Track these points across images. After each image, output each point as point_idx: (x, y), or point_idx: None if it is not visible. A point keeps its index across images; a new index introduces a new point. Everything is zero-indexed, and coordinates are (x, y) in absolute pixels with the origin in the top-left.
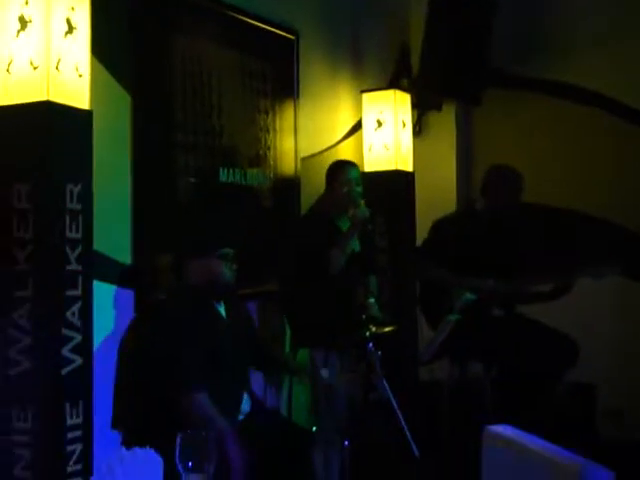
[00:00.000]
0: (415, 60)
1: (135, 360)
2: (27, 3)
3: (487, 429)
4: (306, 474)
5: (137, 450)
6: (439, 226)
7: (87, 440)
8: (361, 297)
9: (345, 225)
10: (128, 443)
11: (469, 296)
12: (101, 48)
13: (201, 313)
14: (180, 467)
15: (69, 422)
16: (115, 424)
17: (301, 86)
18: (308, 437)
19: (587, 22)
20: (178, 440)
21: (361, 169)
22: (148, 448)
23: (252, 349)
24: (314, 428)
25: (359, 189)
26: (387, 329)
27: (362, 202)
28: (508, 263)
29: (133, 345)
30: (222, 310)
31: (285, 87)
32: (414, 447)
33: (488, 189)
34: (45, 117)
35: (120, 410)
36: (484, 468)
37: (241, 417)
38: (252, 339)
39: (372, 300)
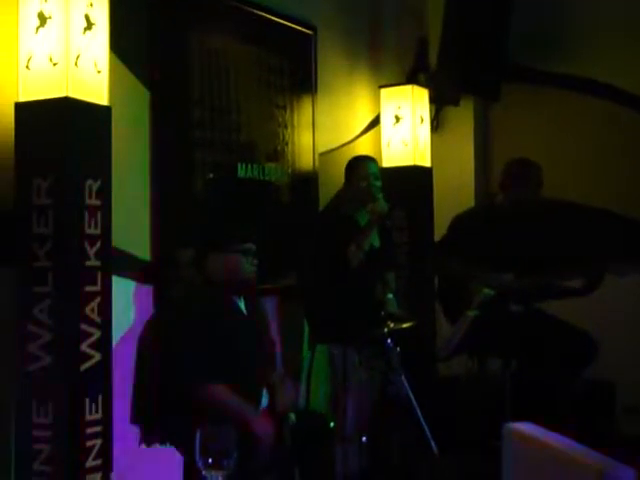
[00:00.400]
0: (433, 55)
1: (155, 356)
2: (46, 0)
3: (507, 426)
4: (325, 468)
5: (157, 447)
6: (459, 221)
7: (107, 435)
8: (380, 293)
9: (363, 220)
10: (148, 440)
11: (488, 291)
12: (120, 44)
13: (221, 308)
14: (200, 463)
15: (88, 417)
16: (135, 420)
17: (319, 81)
18: (327, 432)
19: (606, 16)
20: (198, 436)
21: (379, 164)
22: (168, 445)
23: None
24: (332, 424)
25: (378, 183)
26: (405, 325)
27: (381, 196)
28: (527, 258)
29: (153, 340)
30: (242, 305)
31: (303, 82)
32: (433, 444)
33: (507, 182)
34: (64, 113)
35: (140, 406)
36: (504, 465)
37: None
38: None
39: (391, 296)
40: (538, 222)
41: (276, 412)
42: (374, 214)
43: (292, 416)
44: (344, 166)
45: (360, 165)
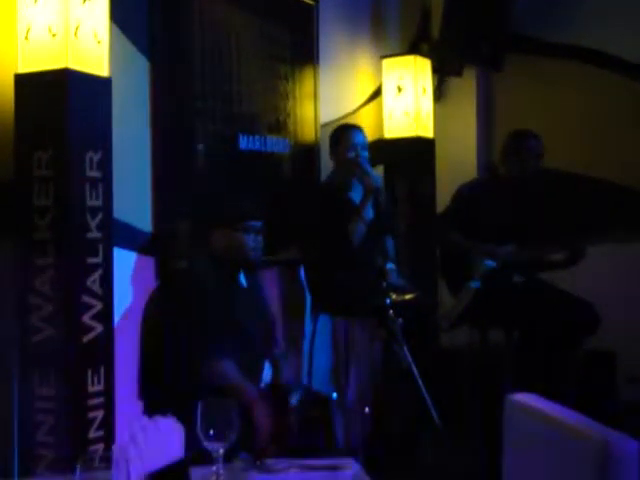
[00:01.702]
0: (435, 25)
1: (158, 329)
2: None
3: (509, 398)
4: (327, 440)
5: (159, 418)
6: (462, 192)
7: (109, 407)
8: (381, 264)
9: (356, 195)
10: (150, 411)
11: (490, 263)
12: (120, 14)
13: (223, 282)
14: (201, 435)
15: (90, 389)
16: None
17: (321, 52)
18: (329, 404)
19: None
20: (199, 408)
21: (381, 135)
22: (170, 416)
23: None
24: (334, 395)
25: (365, 154)
26: (408, 296)
27: (371, 170)
28: (528, 230)
29: (156, 313)
30: (243, 280)
31: (305, 53)
32: (435, 415)
33: (507, 154)
34: (64, 84)
35: (145, 379)
36: (506, 437)
37: (262, 386)
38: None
39: (391, 266)
40: (538, 194)
41: (278, 390)
42: (368, 190)
43: (294, 399)
44: None
45: (346, 135)
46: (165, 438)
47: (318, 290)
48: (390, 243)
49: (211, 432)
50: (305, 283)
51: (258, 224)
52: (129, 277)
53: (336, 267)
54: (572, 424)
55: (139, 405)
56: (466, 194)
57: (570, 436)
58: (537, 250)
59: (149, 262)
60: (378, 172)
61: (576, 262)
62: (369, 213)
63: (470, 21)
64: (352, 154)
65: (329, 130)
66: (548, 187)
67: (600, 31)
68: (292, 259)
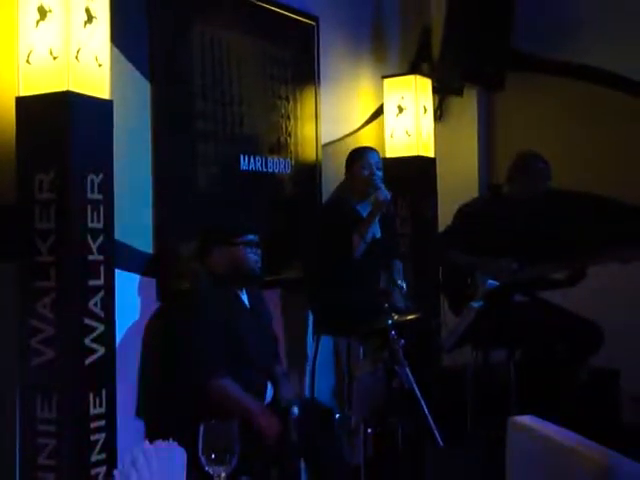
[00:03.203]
0: (436, 45)
1: (160, 349)
2: None
3: (512, 419)
4: (331, 460)
5: (161, 442)
6: (464, 211)
7: (111, 429)
8: (384, 284)
9: (365, 211)
10: (152, 435)
11: (492, 282)
12: (121, 37)
13: (225, 301)
14: (203, 459)
15: (92, 411)
16: (140, 412)
17: (322, 72)
18: (332, 419)
19: (610, 3)
20: (201, 431)
21: (383, 155)
22: (172, 440)
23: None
24: (337, 415)
25: (380, 173)
26: (410, 317)
27: (383, 186)
28: (531, 249)
29: (158, 334)
30: (245, 299)
31: (306, 73)
32: (437, 436)
33: (514, 175)
34: (65, 107)
35: (145, 400)
36: (509, 459)
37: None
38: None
39: (403, 283)
40: (541, 213)
41: (280, 405)
42: (376, 203)
43: (295, 409)
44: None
45: (362, 155)
46: (167, 462)
47: (320, 310)
48: (398, 264)
49: (213, 456)
50: (308, 303)
51: (256, 238)
52: (131, 299)
53: (339, 287)
54: (575, 447)
55: (141, 427)
56: (467, 213)
57: (573, 459)
58: (538, 269)
59: (151, 284)
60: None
61: (576, 282)
62: (376, 229)
63: (470, 40)
64: (366, 172)
65: (330, 150)
66: (550, 206)
67: (604, 49)
68: (294, 278)
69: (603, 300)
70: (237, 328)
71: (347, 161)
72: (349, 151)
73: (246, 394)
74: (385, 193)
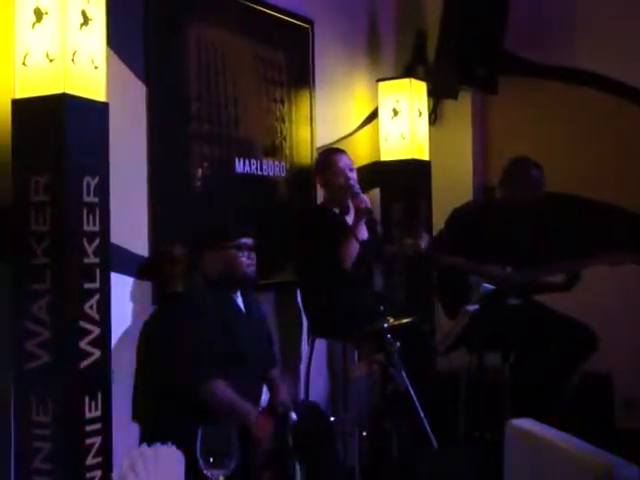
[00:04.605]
0: (431, 48)
1: (155, 352)
2: None
3: (509, 423)
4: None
5: (159, 446)
6: (457, 215)
7: (106, 433)
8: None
9: (349, 216)
10: (149, 439)
11: (487, 286)
12: (116, 39)
13: (221, 304)
14: (201, 462)
15: (88, 415)
16: (135, 416)
17: (317, 75)
18: (327, 427)
19: (605, 8)
20: (199, 434)
21: (377, 158)
22: (169, 444)
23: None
24: (332, 418)
25: (354, 175)
26: (405, 320)
27: (360, 191)
28: (524, 253)
29: (153, 337)
30: (240, 302)
31: (301, 76)
32: (433, 438)
33: (506, 181)
34: (61, 110)
35: (140, 404)
36: (506, 462)
37: (260, 409)
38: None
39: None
40: (535, 217)
41: (276, 409)
42: (358, 210)
43: (293, 415)
44: None
45: (331, 160)
46: (165, 466)
47: (315, 313)
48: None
49: (211, 459)
50: (302, 306)
51: (249, 241)
52: (126, 302)
53: (332, 290)
54: (574, 450)
55: (137, 431)
56: (461, 217)
57: (572, 462)
58: (533, 273)
59: (146, 287)
60: (368, 194)
61: (572, 286)
62: (363, 234)
63: (465, 44)
64: (341, 179)
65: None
66: (545, 209)
67: (597, 53)
68: (288, 282)
69: (596, 304)
70: (233, 331)
71: (316, 167)
72: (316, 157)
73: (238, 396)
74: (365, 200)
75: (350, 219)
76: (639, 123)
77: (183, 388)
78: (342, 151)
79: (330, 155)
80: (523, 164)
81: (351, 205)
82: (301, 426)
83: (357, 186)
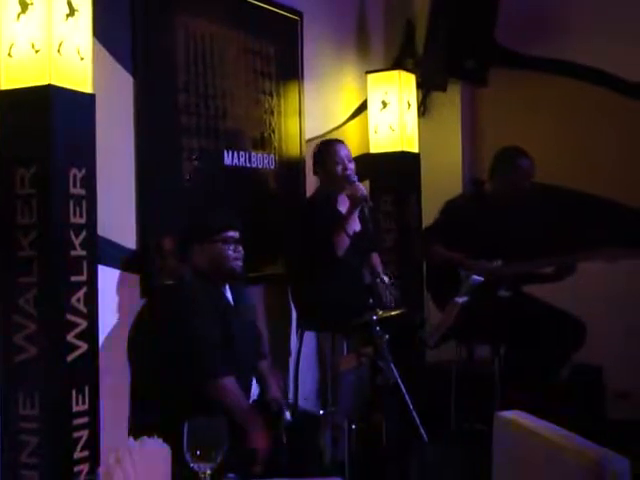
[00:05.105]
0: (420, 40)
1: (149, 346)
2: None
3: (498, 415)
4: (315, 456)
5: (146, 439)
6: (449, 207)
7: (94, 427)
8: (368, 279)
9: (343, 206)
10: (137, 433)
11: (477, 278)
12: (103, 30)
13: (210, 298)
14: (187, 456)
15: (75, 409)
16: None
17: (306, 67)
18: (315, 420)
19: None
20: (186, 427)
21: (367, 150)
22: (156, 438)
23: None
24: (321, 411)
25: (352, 166)
26: (394, 312)
27: (357, 179)
28: (516, 245)
29: (150, 331)
30: (229, 295)
31: (289, 68)
32: (422, 431)
33: (497, 173)
34: (47, 101)
35: (130, 397)
36: (495, 455)
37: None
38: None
39: (385, 277)
40: (525, 209)
41: (268, 406)
42: (354, 199)
43: (287, 414)
44: None
45: (331, 150)
46: (152, 460)
47: (304, 306)
48: (376, 257)
49: (198, 452)
50: (291, 299)
51: (236, 234)
52: (114, 295)
53: (322, 282)
54: (563, 442)
55: (125, 425)
56: (454, 209)
57: (562, 454)
58: (524, 265)
59: (134, 279)
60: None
61: (564, 277)
62: (355, 225)
63: (453, 36)
64: (339, 168)
65: (314, 145)
66: (536, 201)
67: (586, 45)
68: (277, 274)
69: (586, 296)
70: (223, 325)
71: (315, 157)
72: (316, 146)
73: (245, 397)
74: (361, 188)
75: (343, 209)
76: (630, 115)
77: (188, 386)
78: (342, 142)
79: (330, 144)
80: (512, 154)
81: (344, 196)
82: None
83: (354, 175)
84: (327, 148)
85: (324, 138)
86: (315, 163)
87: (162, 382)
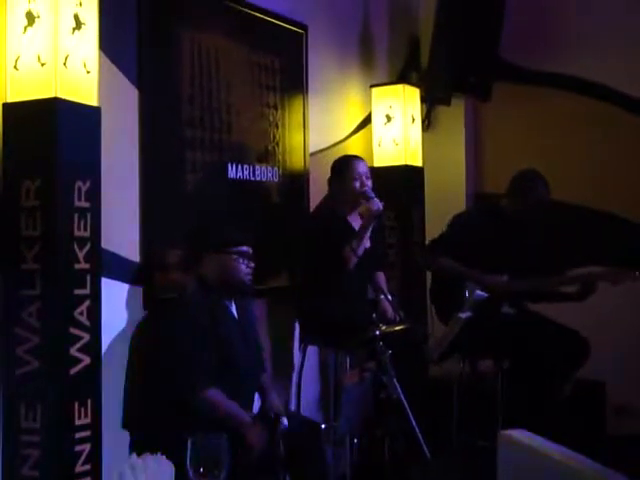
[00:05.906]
0: (424, 54)
1: (146, 359)
2: None
3: (502, 433)
4: (316, 471)
5: (148, 456)
6: (458, 221)
7: (96, 440)
8: (372, 295)
9: (356, 222)
10: (139, 448)
11: (480, 293)
12: (109, 43)
13: (213, 311)
14: (190, 472)
15: (77, 422)
16: (126, 424)
17: (310, 81)
18: (318, 433)
19: (597, 15)
20: (189, 444)
21: (370, 164)
22: (159, 454)
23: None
24: (323, 426)
25: (369, 182)
26: (397, 328)
27: (374, 196)
28: (523, 261)
29: (145, 344)
30: (233, 309)
31: (294, 82)
32: (425, 446)
33: (513, 193)
34: (53, 114)
35: (131, 411)
36: (500, 474)
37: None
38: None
39: (388, 295)
40: (538, 227)
41: (267, 416)
42: (369, 214)
43: (285, 421)
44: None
45: (350, 165)
46: (154, 476)
47: (308, 320)
48: (381, 275)
49: (201, 469)
50: (295, 313)
51: (250, 250)
52: (117, 308)
53: (327, 298)
54: (567, 462)
55: (127, 439)
56: (462, 223)
57: (565, 475)
58: (529, 282)
59: (137, 292)
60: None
61: (586, 297)
62: (366, 241)
63: (458, 50)
64: (357, 184)
65: (318, 159)
66: (546, 218)
67: (590, 60)
68: (281, 287)
69: (588, 311)
70: (225, 339)
71: (334, 170)
72: (336, 160)
73: (234, 403)
74: (378, 204)
75: (356, 225)
76: (634, 130)
77: (177, 397)
78: (361, 158)
79: (350, 160)
80: (532, 179)
81: (357, 212)
82: (291, 434)
83: (372, 192)
84: (346, 163)
85: (332, 151)
86: (332, 177)
87: (154, 397)
